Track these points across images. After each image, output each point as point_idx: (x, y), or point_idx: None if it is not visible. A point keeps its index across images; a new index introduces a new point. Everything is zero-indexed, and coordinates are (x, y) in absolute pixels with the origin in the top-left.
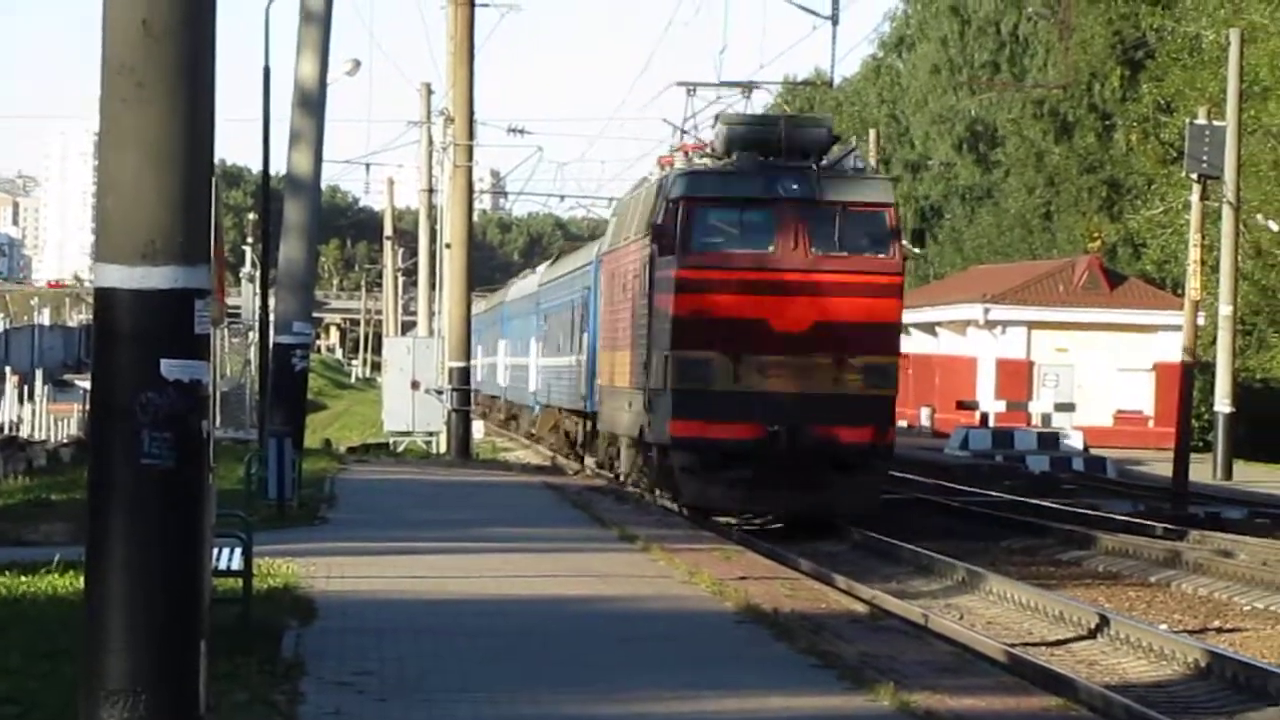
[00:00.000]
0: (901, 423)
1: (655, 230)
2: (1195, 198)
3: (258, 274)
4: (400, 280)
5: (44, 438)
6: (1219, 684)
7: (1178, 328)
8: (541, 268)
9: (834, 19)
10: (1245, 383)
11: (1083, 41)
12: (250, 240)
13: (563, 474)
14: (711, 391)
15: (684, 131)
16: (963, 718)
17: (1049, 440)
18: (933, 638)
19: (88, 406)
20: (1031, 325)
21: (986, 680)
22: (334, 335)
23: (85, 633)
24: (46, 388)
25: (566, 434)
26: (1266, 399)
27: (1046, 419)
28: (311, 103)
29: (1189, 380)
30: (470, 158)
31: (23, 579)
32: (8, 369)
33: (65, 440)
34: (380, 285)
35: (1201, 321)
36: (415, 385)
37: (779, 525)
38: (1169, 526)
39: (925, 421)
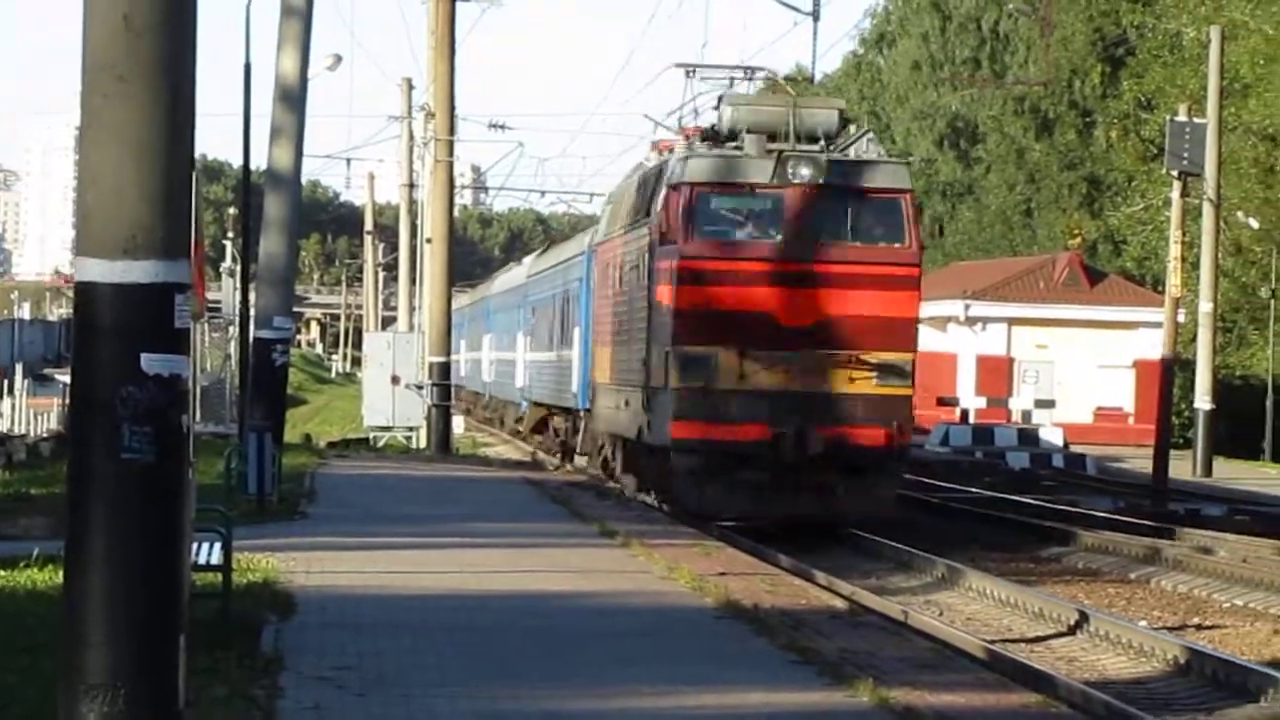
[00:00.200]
0: None
1: (655, 218)
2: (1176, 195)
3: (238, 269)
4: (381, 275)
5: (24, 432)
6: (1198, 681)
7: (1158, 325)
8: (529, 259)
9: (815, 15)
10: (1225, 380)
11: (1063, 38)
12: (231, 235)
13: (543, 469)
14: (715, 390)
15: (665, 125)
16: (942, 714)
17: (1029, 437)
18: (912, 634)
19: (68, 401)
20: (1012, 322)
21: (966, 677)
22: (314, 330)
23: (64, 627)
24: (26, 382)
25: (556, 432)
26: (1246, 396)
27: (1027, 415)
28: (292, 98)
29: (1169, 377)
30: (451, 153)
31: (1, 573)
32: None
33: (45, 435)
34: (361, 280)
35: (1182, 318)
36: (395, 380)
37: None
38: (1149, 523)
39: None
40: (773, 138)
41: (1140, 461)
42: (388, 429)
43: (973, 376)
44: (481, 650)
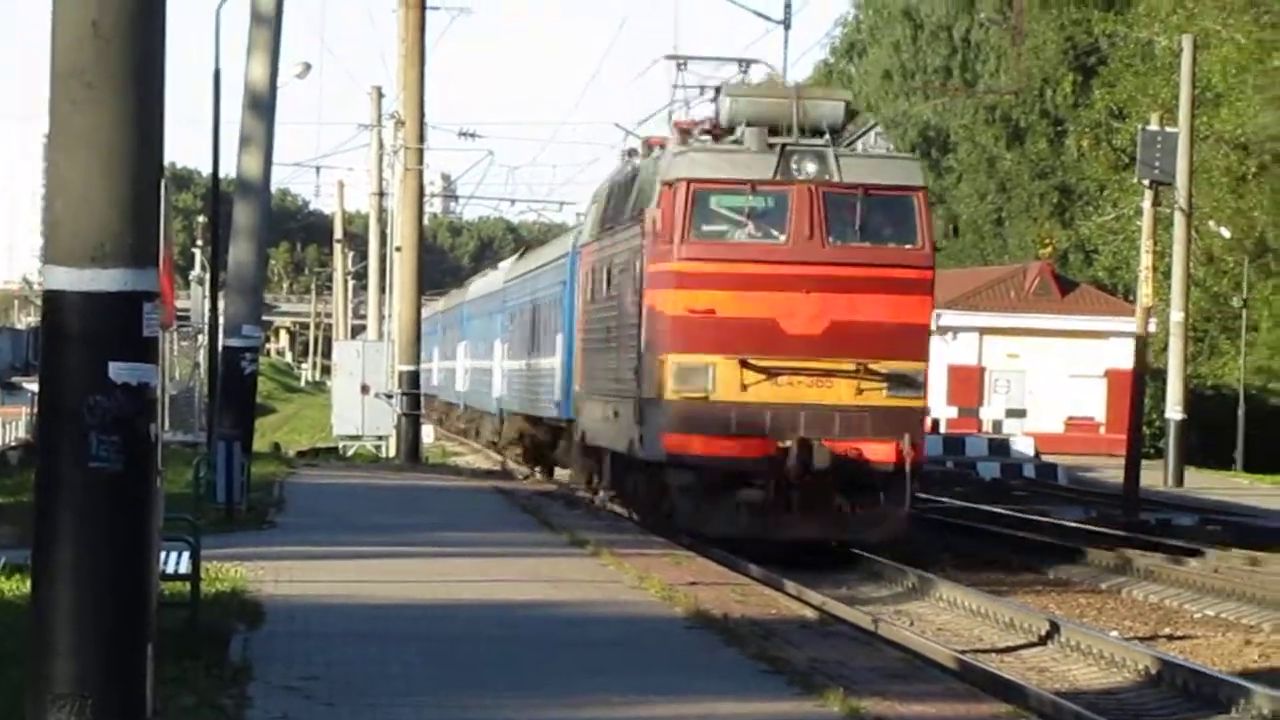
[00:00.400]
0: None
1: (649, 217)
2: (1147, 204)
3: (207, 277)
4: (350, 284)
5: None
6: (1169, 691)
7: (1129, 334)
8: (506, 264)
9: (786, 23)
10: (1197, 389)
11: (1035, 47)
12: (200, 243)
13: (513, 479)
14: (714, 402)
15: (635, 134)
16: None
17: (1000, 446)
18: (883, 644)
19: (36, 409)
20: (983, 331)
21: (936, 687)
22: (284, 339)
23: (32, 636)
24: None
25: (536, 444)
26: (1218, 406)
27: (998, 425)
28: (261, 105)
29: (1140, 387)
30: (421, 161)
31: None
32: None
33: (13, 443)
34: (330, 289)
35: (1153, 328)
36: (365, 389)
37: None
38: (1120, 533)
39: None
40: (774, 131)
41: (1112, 471)
42: (357, 438)
43: (944, 386)
44: (450, 659)
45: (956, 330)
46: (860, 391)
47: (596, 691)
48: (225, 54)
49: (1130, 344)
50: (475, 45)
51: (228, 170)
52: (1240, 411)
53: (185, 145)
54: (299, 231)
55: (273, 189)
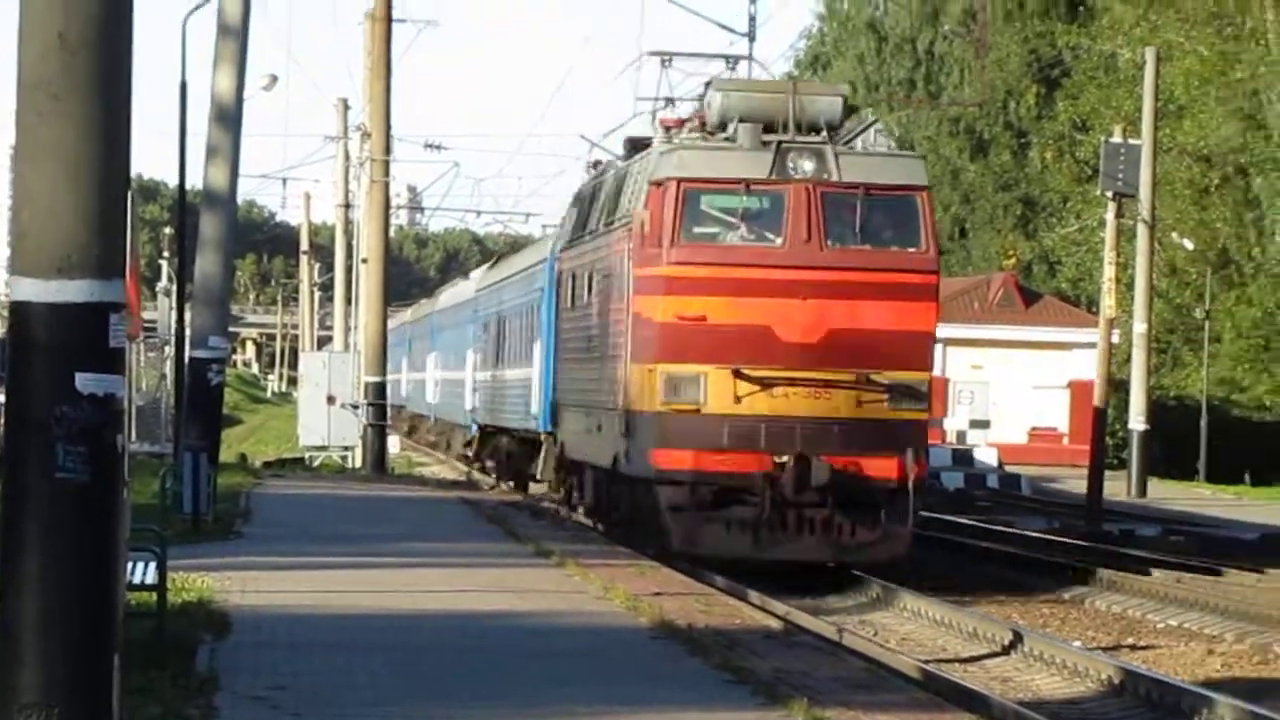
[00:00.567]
0: None
1: (636, 219)
2: (1110, 216)
3: (174, 288)
4: (316, 295)
5: None
6: (1132, 701)
7: (1092, 345)
8: (477, 272)
9: (751, 36)
10: (1159, 400)
11: (999, 60)
12: (167, 254)
13: (478, 489)
14: (705, 415)
15: (602, 146)
16: None
17: (964, 457)
18: (847, 654)
19: (2, 420)
20: (947, 342)
21: (900, 697)
22: (250, 350)
23: None
24: None
25: (511, 457)
26: (1181, 417)
27: (961, 436)
28: (228, 117)
29: (1104, 398)
30: (387, 173)
31: None
32: None
33: None
34: (296, 300)
35: (1116, 339)
36: (331, 400)
37: None
38: (1083, 543)
39: None
40: (769, 128)
41: (1075, 482)
42: (323, 449)
43: None
44: (416, 669)
45: None
46: (860, 403)
47: (562, 702)
48: (192, 66)
49: (1093, 355)
50: (441, 58)
51: (194, 182)
52: (1203, 422)
53: (152, 157)
54: (265, 243)
55: (239, 201)
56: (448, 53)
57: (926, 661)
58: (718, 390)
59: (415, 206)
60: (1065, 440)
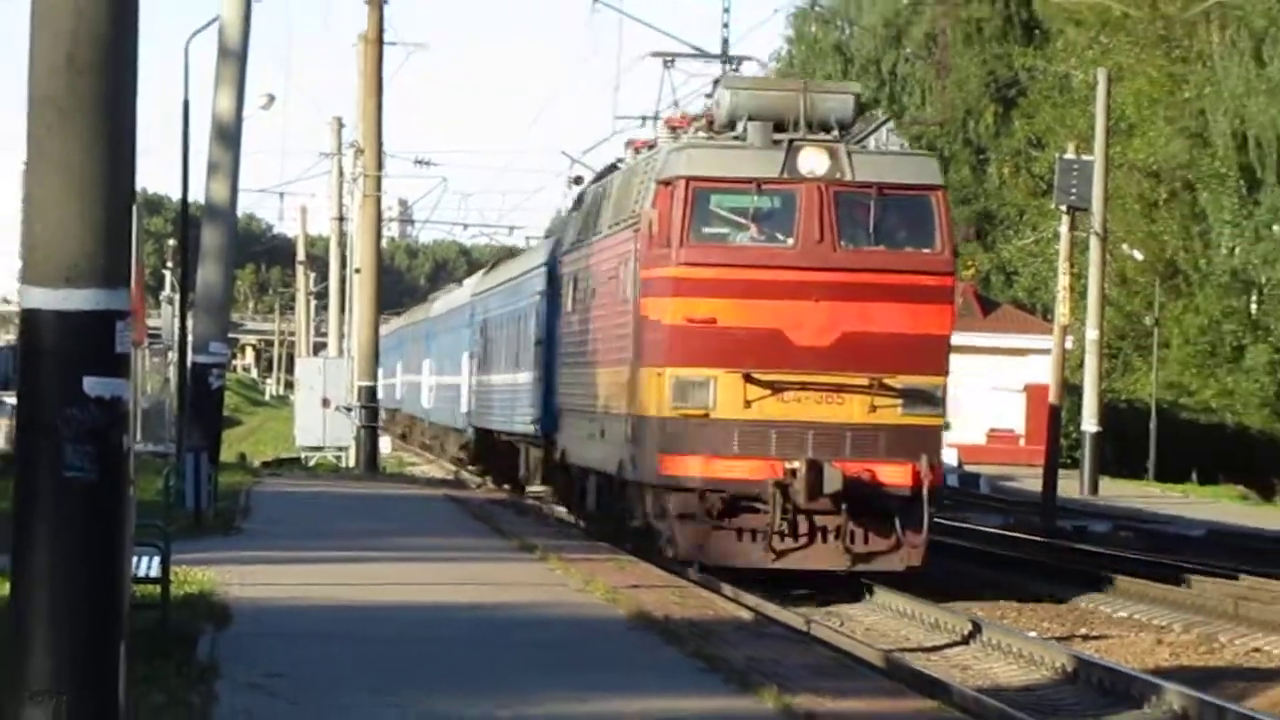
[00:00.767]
0: None
1: (643, 220)
2: (1064, 228)
3: (177, 297)
4: (312, 303)
5: None
6: (1086, 688)
7: (1047, 351)
8: (472, 279)
9: (724, 58)
10: (1111, 403)
11: (959, 80)
12: (170, 265)
13: (465, 488)
14: (715, 420)
15: (583, 162)
16: (842, 718)
17: None
18: (815, 643)
19: (14, 422)
20: None
21: (865, 684)
22: (249, 355)
23: (10, 638)
24: None
25: (508, 462)
26: (1131, 419)
27: None
28: (228, 135)
29: (1058, 400)
30: (379, 187)
31: None
32: None
33: None
34: (293, 308)
35: (1070, 345)
36: (326, 403)
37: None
38: (1038, 539)
39: None
40: (779, 127)
41: (1031, 480)
42: (319, 449)
43: None
44: (406, 658)
45: None
46: (874, 408)
47: (544, 689)
48: (194, 86)
49: (1049, 360)
50: (431, 78)
51: (196, 196)
52: (1152, 424)
53: (156, 172)
54: (264, 254)
55: (239, 213)
56: (437, 73)
57: (890, 651)
58: (728, 394)
59: (406, 219)
60: (1022, 441)
